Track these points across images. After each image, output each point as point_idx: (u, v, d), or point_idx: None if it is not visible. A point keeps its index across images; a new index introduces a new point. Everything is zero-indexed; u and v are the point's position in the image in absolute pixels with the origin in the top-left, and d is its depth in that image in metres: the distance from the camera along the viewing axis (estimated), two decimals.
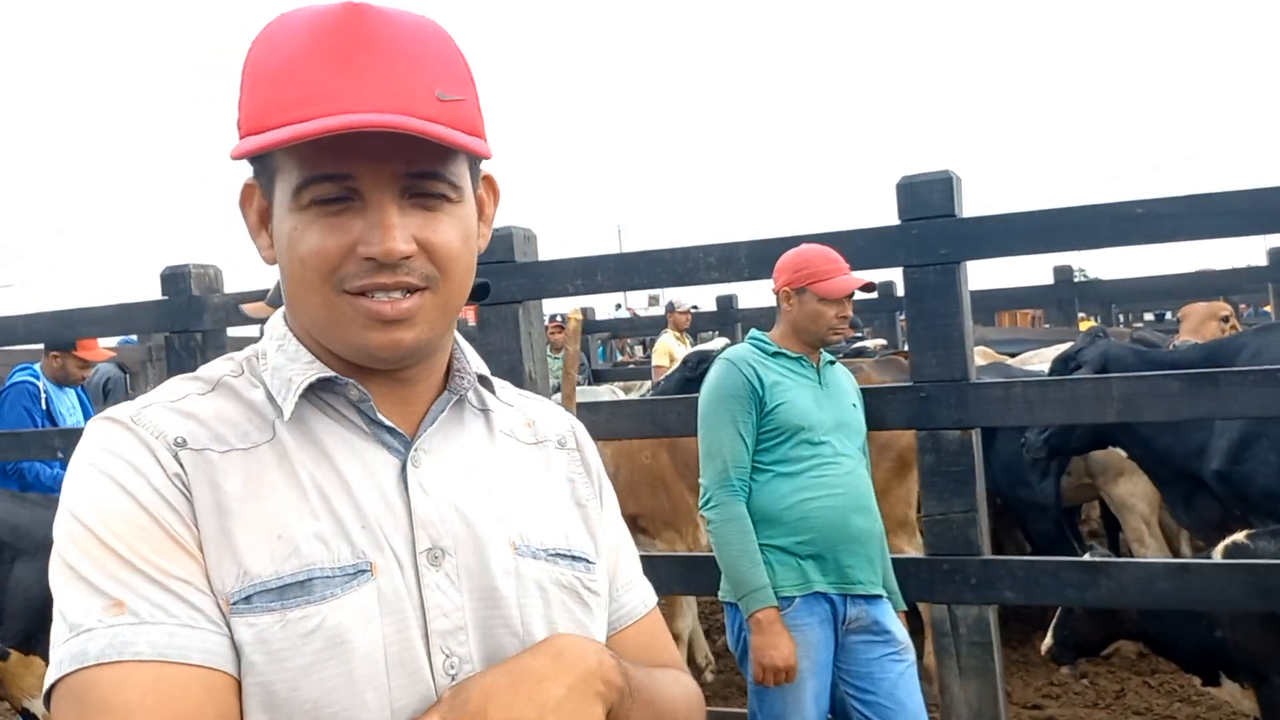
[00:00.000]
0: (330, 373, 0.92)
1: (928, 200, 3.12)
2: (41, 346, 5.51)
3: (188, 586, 0.82)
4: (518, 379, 3.59)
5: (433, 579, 0.90)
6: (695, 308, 9.78)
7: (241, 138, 0.88)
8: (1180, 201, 2.89)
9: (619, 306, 21.20)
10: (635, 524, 4.78)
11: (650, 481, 4.72)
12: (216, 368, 0.97)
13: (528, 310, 3.63)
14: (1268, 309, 10.02)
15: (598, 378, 9.80)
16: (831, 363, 2.93)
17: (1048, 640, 3.73)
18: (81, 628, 0.80)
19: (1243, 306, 12.49)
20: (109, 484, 0.84)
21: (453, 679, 0.88)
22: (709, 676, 5.11)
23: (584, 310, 11.56)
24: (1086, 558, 3.22)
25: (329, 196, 0.87)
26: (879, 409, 3.15)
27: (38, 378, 5.34)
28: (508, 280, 3.60)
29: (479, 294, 1.97)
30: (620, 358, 15.29)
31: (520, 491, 1.00)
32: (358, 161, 0.86)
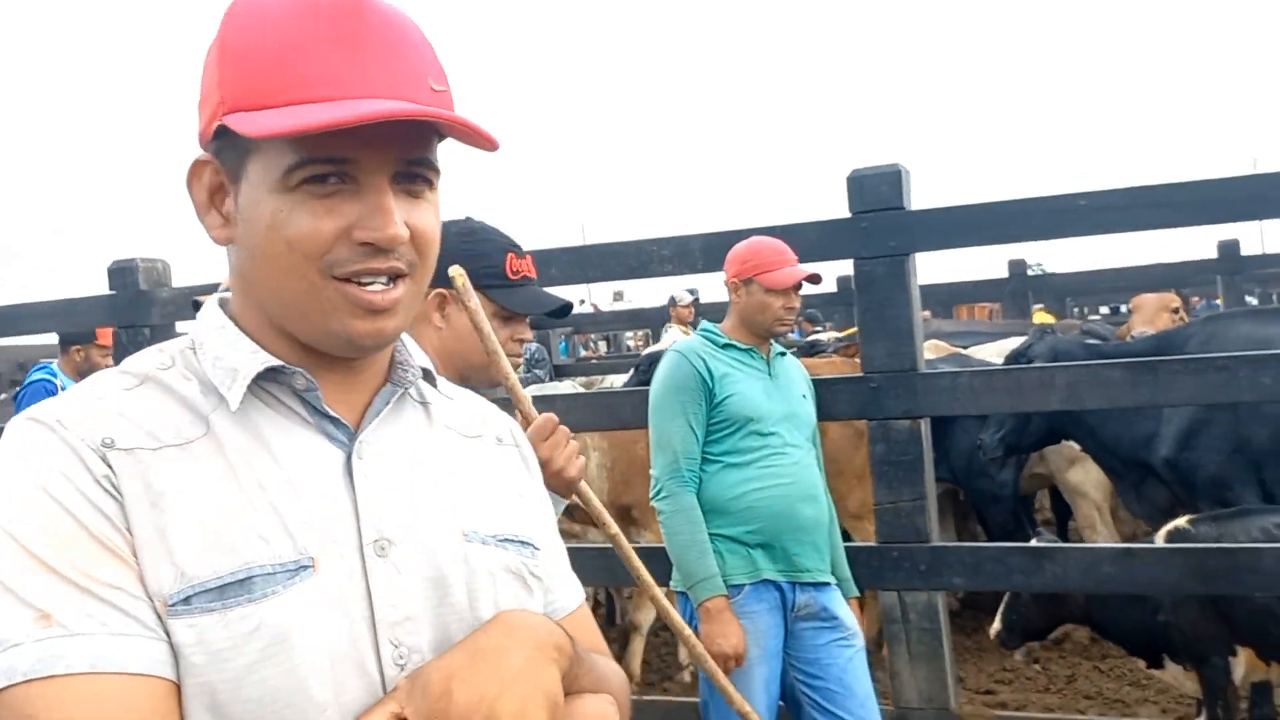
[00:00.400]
0: (278, 361, 0.90)
1: (877, 193, 3.17)
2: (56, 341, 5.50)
3: (120, 593, 0.80)
4: None
5: (380, 569, 0.89)
6: (696, 300, 9.64)
7: (227, 113, 0.86)
8: (1121, 194, 2.96)
9: (582, 302, 21.17)
10: (628, 515, 4.79)
11: (644, 472, 4.75)
12: (144, 360, 0.93)
13: None
14: (1220, 301, 10.21)
15: (560, 372, 9.76)
16: (782, 354, 2.96)
17: (996, 624, 3.79)
18: (9, 643, 0.76)
19: (1194, 300, 12.71)
20: (33, 490, 0.81)
21: (401, 669, 0.88)
22: (687, 677, 5.11)
23: None
24: (1032, 544, 3.28)
25: (322, 178, 0.86)
26: (830, 399, 3.19)
27: (55, 375, 5.32)
28: None
29: (561, 313, 2.04)
30: (584, 353, 15.27)
31: (465, 482, 1.00)
32: (358, 145, 0.85)
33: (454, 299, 1.89)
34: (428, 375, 1.02)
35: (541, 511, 1.10)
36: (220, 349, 0.92)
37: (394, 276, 0.90)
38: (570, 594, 1.11)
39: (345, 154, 0.86)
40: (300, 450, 0.90)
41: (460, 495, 0.98)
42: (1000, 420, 4.61)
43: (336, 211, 0.87)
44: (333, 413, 0.92)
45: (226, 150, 0.90)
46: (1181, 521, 3.48)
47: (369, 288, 0.88)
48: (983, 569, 3.12)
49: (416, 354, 1.01)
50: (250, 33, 0.87)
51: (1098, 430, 4.47)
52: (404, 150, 0.88)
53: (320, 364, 0.93)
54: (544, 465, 1.74)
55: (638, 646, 4.91)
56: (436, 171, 0.93)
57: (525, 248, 3.75)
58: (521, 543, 1.01)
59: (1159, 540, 3.44)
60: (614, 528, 1.92)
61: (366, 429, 0.94)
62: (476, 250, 1.91)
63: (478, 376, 1.92)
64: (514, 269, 1.91)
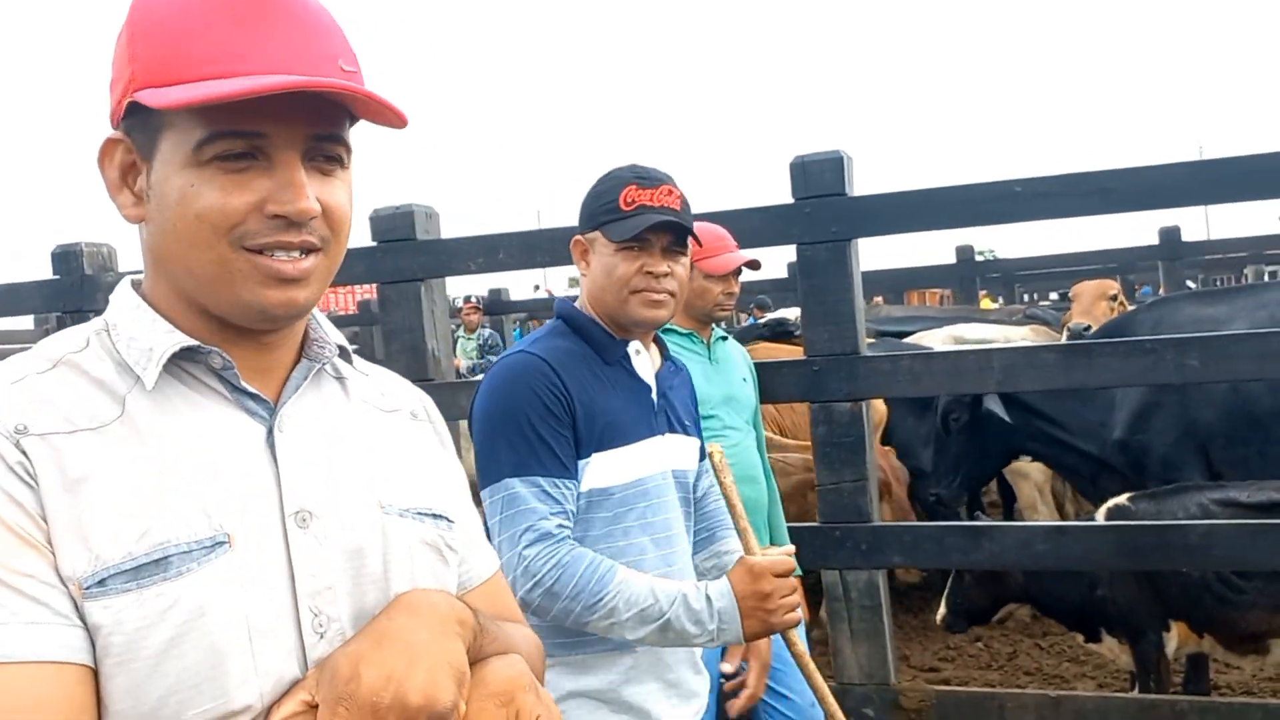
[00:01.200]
0: (193, 341, 0.91)
1: (820, 179, 3.21)
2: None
3: (33, 582, 0.80)
4: (420, 357, 3.60)
5: (301, 540, 0.91)
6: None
7: (138, 89, 0.87)
8: (1055, 180, 3.02)
9: (537, 288, 21.08)
10: None
11: None
12: (59, 343, 0.93)
13: (430, 288, 3.64)
14: (1162, 289, 10.45)
15: None
16: (723, 338, 3.00)
17: (941, 610, 3.85)
18: None
19: (1138, 285, 12.97)
20: None
21: (321, 637, 0.90)
22: None
23: (498, 290, 11.48)
24: (969, 523, 3.36)
25: (233, 153, 0.88)
26: (774, 382, 3.24)
27: None
28: (409, 259, 3.60)
29: (676, 231, 1.83)
30: None
31: (383, 455, 1.02)
32: (269, 120, 0.87)
33: (589, 244, 1.87)
34: (343, 352, 1.04)
35: (456, 484, 1.12)
36: (135, 329, 0.93)
37: (306, 250, 0.92)
38: (485, 563, 1.14)
39: (256, 128, 0.88)
40: (220, 426, 0.92)
41: (377, 469, 1.01)
42: (952, 465, 4.62)
43: (248, 186, 0.89)
44: (251, 388, 0.94)
45: (138, 128, 0.91)
46: (1122, 499, 3.56)
47: (279, 257, 0.90)
48: (922, 548, 3.19)
49: (331, 331, 1.03)
50: (161, 11, 0.89)
51: (1052, 438, 4.59)
52: (314, 126, 0.91)
53: (235, 341, 0.94)
54: (763, 598, 1.68)
55: None
56: (348, 150, 0.95)
57: (480, 233, 3.71)
58: (436, 516, 1.04)
59: (1100, 516, 3.53)
60: (818, 679, 1.85)
61: (286, 403, 0.96)
62: (597, 190, 1.87)
63: (619, 318, 1.85)
64: (628, 200, 1.80)
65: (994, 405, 4.44)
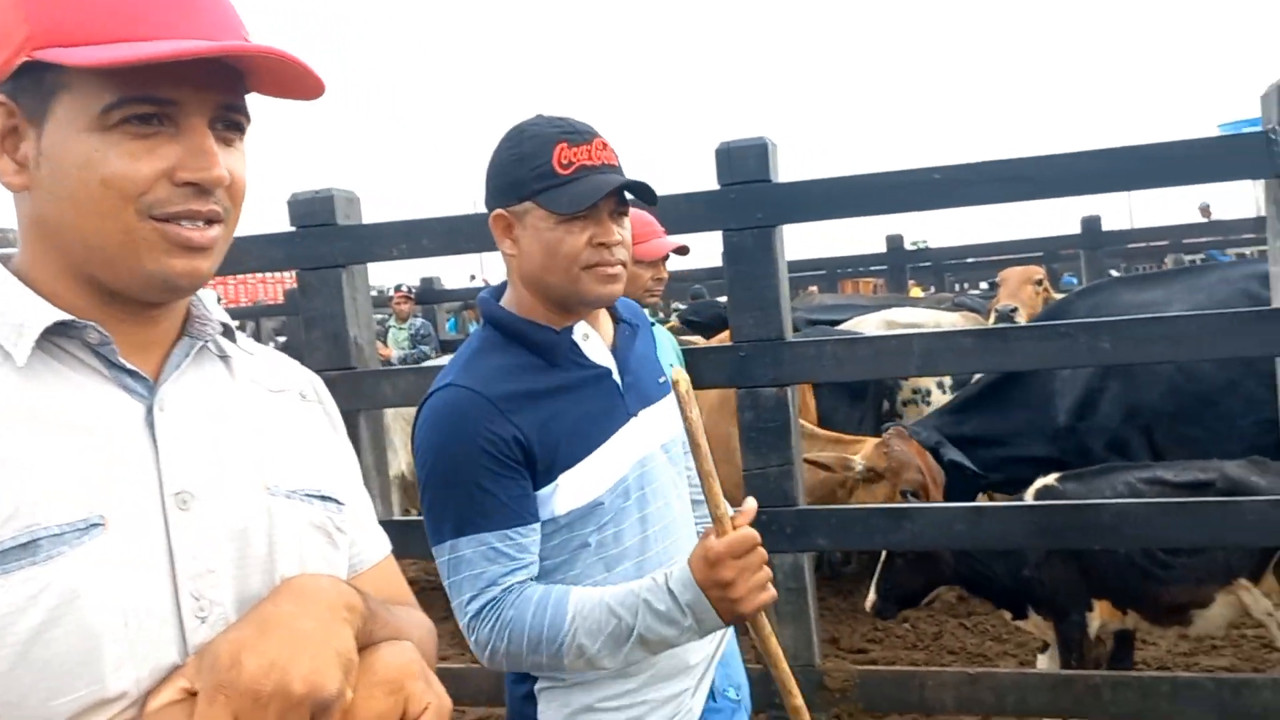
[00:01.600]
0: (68, 315, 0.88)
1: (745, 165, 3.22)
2: None
3: None
4: (342, 344, 3.55)
5: (181, 523, 0.88)
6: None
7: (36, 49, 0.84)
8: (972, 168, 3.07)
9: (473, 277, 20.96)
10: None
11: None
12: None
13: (351, 274, 3.59)
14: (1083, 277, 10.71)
15: (447, 349, 9.69)
16: (652, 325, 2.99)
17: (871, 596, 3.87)
18: None
19: (1061, 273, 13.28)
20: None
21: (202, 621, 0.88)
22: None
23: (430, 280, 11.38)
24: (891, 504, 3.40)
25: (144, 119, 0.86)
26: (701, 368, 3.25)
27: None
28: (330, 244, 3.54)
29: (640, 195, 1.65)
30: (473, 329, 15.13)
31: (269, 435, 1.00)
32: (184, 86, 0.86)
33: (515, 218, 1.61)
34: (227, 330, 1.02)
35: (346, 466, 1.10)
36: (2, 305, 0.89)
37: (210, 220, 0.90)
38: (375, 546, 1.12)
39: (170, 94, 0.86)
40: (96, 404, 0.89)
41: (263, 449, 0.98)
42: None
43: (156, 153, 0.87)
44: (130, 365, 0.91)
45: (27, 90, 0.88)
46: (1050, 479, 3.60)
47: (186, 226, 0.89)
48: (846, 529, 3.22)
49: (214, 309, 1.01)
50: None
51: (1003, 457, 4.57)
52: (223, 94, 0.90)
53: (116, 317, 0.92)
54: (725, 587, 1.44)
55: None
56: (249, 119, 0.94)
57: (414, 218, 3.63)
58: (325, 498, 1.02)
59: (1028, 496, 3.58)
60: (778, 655, 1.62)
61: (166, 381, 0.93)
62: (519, 153, 1.59)
63: (569, 300, 1.61)
64: (563, 161, 1.55)
65: (953, 454, 4.38)
